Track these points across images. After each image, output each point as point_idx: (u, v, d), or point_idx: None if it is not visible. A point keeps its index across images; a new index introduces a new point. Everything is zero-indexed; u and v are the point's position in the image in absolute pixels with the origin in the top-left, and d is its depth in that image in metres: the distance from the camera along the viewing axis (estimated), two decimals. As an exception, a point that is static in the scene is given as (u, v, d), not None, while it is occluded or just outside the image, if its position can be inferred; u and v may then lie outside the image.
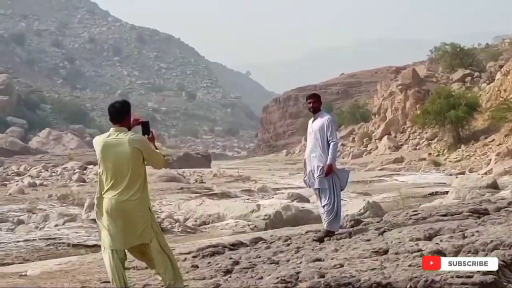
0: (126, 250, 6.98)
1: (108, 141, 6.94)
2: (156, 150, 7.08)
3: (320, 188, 10.45)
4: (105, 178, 6.99)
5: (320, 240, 10.25)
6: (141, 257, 7.20)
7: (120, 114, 6.99)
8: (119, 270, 6.89)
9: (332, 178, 10.43)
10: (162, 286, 7.07)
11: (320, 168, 10.39)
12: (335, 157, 10.69)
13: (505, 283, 6.56)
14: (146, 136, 7.09)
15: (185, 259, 10.23)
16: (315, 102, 10.63)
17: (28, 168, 49.04)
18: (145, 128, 7.11)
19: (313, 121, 10.68)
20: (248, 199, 27.65)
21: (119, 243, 6.87)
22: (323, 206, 10.40)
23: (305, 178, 10.84)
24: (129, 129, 7.00)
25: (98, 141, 7.05)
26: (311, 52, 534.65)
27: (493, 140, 52.71)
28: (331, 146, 10.45)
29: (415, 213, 12.60)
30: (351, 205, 19.30)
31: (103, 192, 7.01)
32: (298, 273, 7.58)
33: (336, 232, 10.47)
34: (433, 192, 27.48)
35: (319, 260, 8.63)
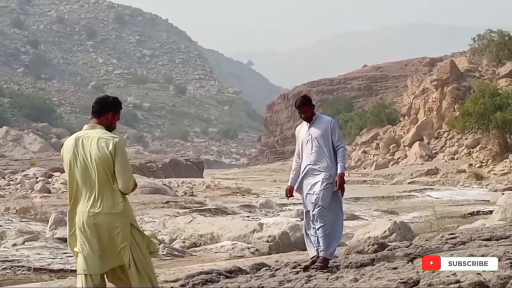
0: (104, 276, 6.87)
1: (77, 140, 6.85)
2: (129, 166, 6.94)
3: (317, 205, 10.21)
4: (73, 186, 6.89)
5: (306, 269, 10.11)
6: (119, 283, 6.98)
7: (100, 107, 6.93)
8: None
9: (338, 193, 10.31)
10: None
11: (324, 180, 10.19)
12: (346, 165, 10.59)
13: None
14: None
15: (171, 288, 10.26)
16: (307, 111, 10.46)
17: (-19, 175, 49.06)
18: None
19: (309, 127, 10.44)
20: (248, 216, 27.73)
21: (94, 267, 6.77)
22: (319, 228, 10.17)
23: (303, 190, 10.47)
24: (107, 129, 6.90)
25: (68, 140, 6.97)
26: (327, 38, 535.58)
27: (549, 149, 52.89)
28: (340, 153, 10.33)
29: (452, 236, 12.65)
30: (374, 225, 19.33)
31: (71, 204, 6.92)
32: (309, 307, 7.61)
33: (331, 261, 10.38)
34: (474, 212, 27.52)
35: (335, 291, 8.66)
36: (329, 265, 10.11)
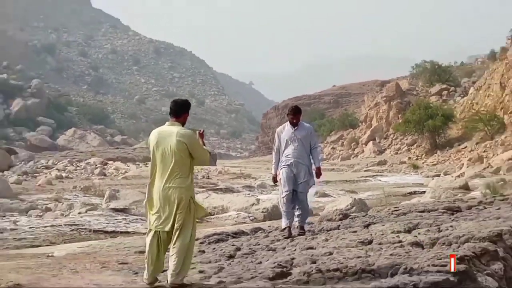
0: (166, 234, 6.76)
1: (160, 132, 6.85)
2: (203, 147, 6.97)
3: (299, 192, 10.20)
4: (155, 166, 6.83)
5: (290, 236, 9.92)
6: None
7: (178, 109, 6.93)
8: (153, 253, 6.71)
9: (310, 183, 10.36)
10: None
11: (306, 172, 10.25)
12: (321, 160, 10.77)
13: (475, 272, 6.56)
14: (197, 134, 7.04)
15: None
16: (295, 118, 10.39)
17: (56, 163, 48.97)
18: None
19: (295, 130, 10.36)
20: (249, 194, 27.69)
21: (158, 225, 6.71)
22: (299, 207, 10.17)
23: (284, 175, 10.25)
24: (183, 125, 6.91)
25: (153, 132, 6.95)
26: (307, 65, 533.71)
27: (466, 147, 52.84)
28: (317, 151, 10.50)
29: (396, 209, 12.62)
30: (340, 201, 19.27)
31: (151, 179, 6.87)
32: (292, 259, 7.59)
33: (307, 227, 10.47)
34: (412, 192, 27.45)
35: (311, 248, 8.63)
36: (305, 232, 10.12)
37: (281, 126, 10.75)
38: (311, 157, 10.42)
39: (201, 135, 7.10)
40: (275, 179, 10.56)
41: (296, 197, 10.18)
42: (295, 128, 10.40)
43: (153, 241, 6.75)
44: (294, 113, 10.44)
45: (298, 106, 11.02)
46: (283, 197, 10.19)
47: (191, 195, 6.79)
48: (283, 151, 10.39)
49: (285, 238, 9.84)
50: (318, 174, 10.34)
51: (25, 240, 14.81)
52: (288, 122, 10.52)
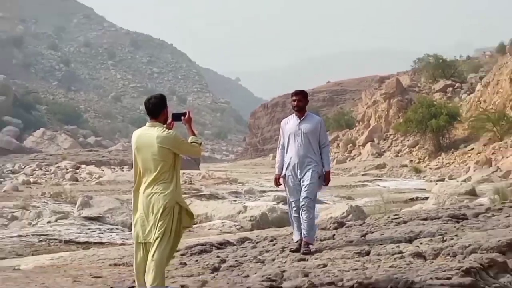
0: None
1: (140, 136, 6.82)
2: (192, 138, 6.90)
3: (306, 198, 9.34)
4: (137, 171, 6.84)
5: (297, 251, 9.29)
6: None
7: (154, 109, 6.83)
8: (140, 266, 6.67)
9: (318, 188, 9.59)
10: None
11: (313, 174, 9.38)
12: (330, 162, 9.91)
13: (482, 286, 6.59)
14: (182, 118, 6.98)
15: (174, 256, 10.20)
16: (300, 100, 9.54)
17: (23, 167, 48.91)
18: (176, 117, 6.97)
19: (300, 122, 9.52)
20: (235, 200, 27.65)
21: (140, 236, 6.68)
22: (305, 216, 9.31)
23: (289, 181, 9.53)
24: (165, 123, 6.83)
25: (134, 135, 6.90)
26: (300, 60, 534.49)
27: (472, 149, 53.02)
28: (325, 151, 9.60)
29: (396, 217, 12.64)
30: (335, 208, 19.31)
31: (135, 185, 6.85)
32: (283, 272, 7.59)
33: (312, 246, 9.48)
34: (413, 198, 27.50)
35: (303, 260, 8.64)
36: (311, 249, 9.29)
37: (287, 117, 9.90)
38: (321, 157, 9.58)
39: (188, 119, 7.03)
40: (277, 181, 9.73)
41: (304, 205, 9.38)
42: (301, 119, 9.55)
43: (139, 254, 6.71)
44: (297, 93, 9.64)
45: (304, 90, 9.87)
46: (293, 207, 9.53)
47: (177, 200, 6.72)
48: (287, 148, 9.61)
49: (291, 251, 9.37)
50: (327, 180, 9.57)
51: (-12, 252, 14.77)
52: (294, 113, 9.68)
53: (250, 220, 18.99)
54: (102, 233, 18.34)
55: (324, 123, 9.90)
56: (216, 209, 21.31)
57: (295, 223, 9.52)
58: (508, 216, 11.43)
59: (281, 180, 9.65)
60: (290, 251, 9.38)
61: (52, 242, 16.45)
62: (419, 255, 8.17)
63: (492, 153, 46.94)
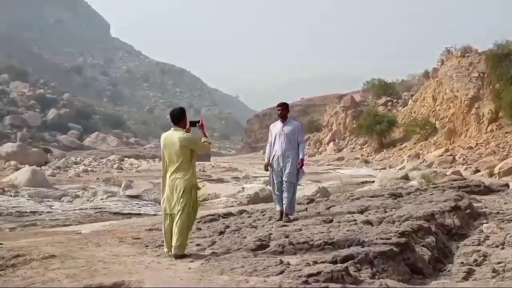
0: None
1: (166, 137, 6.87)
2: (204, 139, 6.92)
3: (287, 181, 9.41)
4: (165, 163, 6.88)
5: (281, 219, 9.31)
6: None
7: (176, 118, 6.87)
8: (168, 231, 6.71)
9: (298, 174, 9.57)
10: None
11: (292, 163, 9.42)
12: (305, 153, 10.12)
13: (413, 244, 6.62)
14: (197, 125, 6.97)
15: (193, 223, 10.17)
16: (283, 109, 9.66)
17: (83, 159, 48.73)
18: (192, 124, 6.98)
19: (283, 126, 9.59)
20: (236, 183, 27.63)
21: (167, 209, 6.74)
22: (286, 195, 9.37)
23: (274, 167, 9.61)
24: (184, 128, 6.86)
25: (162, 137, 6.96)
26: (285, 82, 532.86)
27: (406, 146, 53.30)
28: (302, 145, 9.65)
29: (352, 195, 12.66)
30: (307, 189, 19.33)
31: (164, 173, 6.92)
32: (270, 234, 7.60)
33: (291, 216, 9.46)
34: (364, 181, 27.53)
35: (285, 226, 8.65)
36: (290, 218, 9.28)
37: (274, 122, 9.99)
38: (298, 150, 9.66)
39: (202, 125, 7.03)
40: (266, 167, 9.79)
41: (285, 187, 9.46)
42: (284, 123, 9.63)
43: (166, 222, 6.77)
44: (281, 104, 9.80)
45: (286, 102, 10.02)
46: (275, 187, 9.62)
47: (193, 183, 6.77)
48: (273, 145, 9.68)
49: (276, 220, 9.32)
50: (301, 164, 9.55)
51: (58, 220, 14.79)
52: (279, 119, 9.75)
53: (246, 197, 19.01)
54: (140, 207, 18.34)
55: (301, 126, 9.97)
56: (222, 190, 21.33)
57: (277, 198, 9.64)
58: (431, 194, 11.47)
59: (268, 167, 9.77)
60: (276, 221, 9.36)
61: (104, 213, 16.46)
62: (368, 222, 8.20)
63: (420, 149, 47.17)
